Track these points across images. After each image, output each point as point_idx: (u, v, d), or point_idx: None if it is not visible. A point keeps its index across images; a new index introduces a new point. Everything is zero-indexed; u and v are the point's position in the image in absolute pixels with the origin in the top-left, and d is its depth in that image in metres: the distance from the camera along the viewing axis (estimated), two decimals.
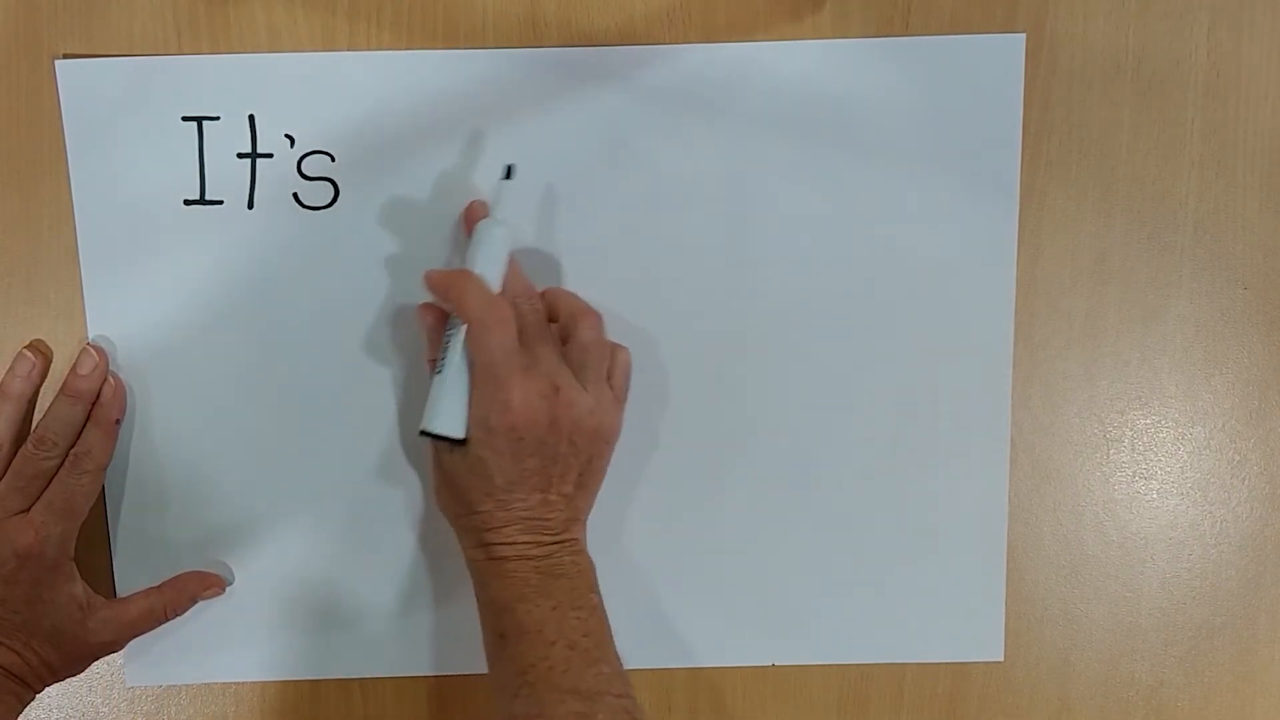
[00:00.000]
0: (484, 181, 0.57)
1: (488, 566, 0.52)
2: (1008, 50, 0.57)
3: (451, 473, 0.53)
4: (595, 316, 0.54)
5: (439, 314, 0.54)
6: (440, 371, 0.53)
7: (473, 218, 0.55)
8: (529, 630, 0.50)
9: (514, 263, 0.54)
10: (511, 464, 0.51)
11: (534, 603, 0.51)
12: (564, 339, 0.54)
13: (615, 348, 0.56)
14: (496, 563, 0.52)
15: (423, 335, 0.55)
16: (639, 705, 0.51)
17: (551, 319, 0.55)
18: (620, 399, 0.55)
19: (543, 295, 0.55)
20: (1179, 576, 0.61)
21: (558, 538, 0.52)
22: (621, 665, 0.52)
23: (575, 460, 0.52)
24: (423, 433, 0.52)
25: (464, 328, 0.52)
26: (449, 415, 0.52)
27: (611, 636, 0.53)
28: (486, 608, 0.53)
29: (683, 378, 0.58)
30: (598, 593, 0.53)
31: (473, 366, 0.52)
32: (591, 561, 0.54)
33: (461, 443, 0.52)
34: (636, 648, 0.60)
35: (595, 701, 0.49)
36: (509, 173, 0.54)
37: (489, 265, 0.53)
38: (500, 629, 0.51)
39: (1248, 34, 0.58)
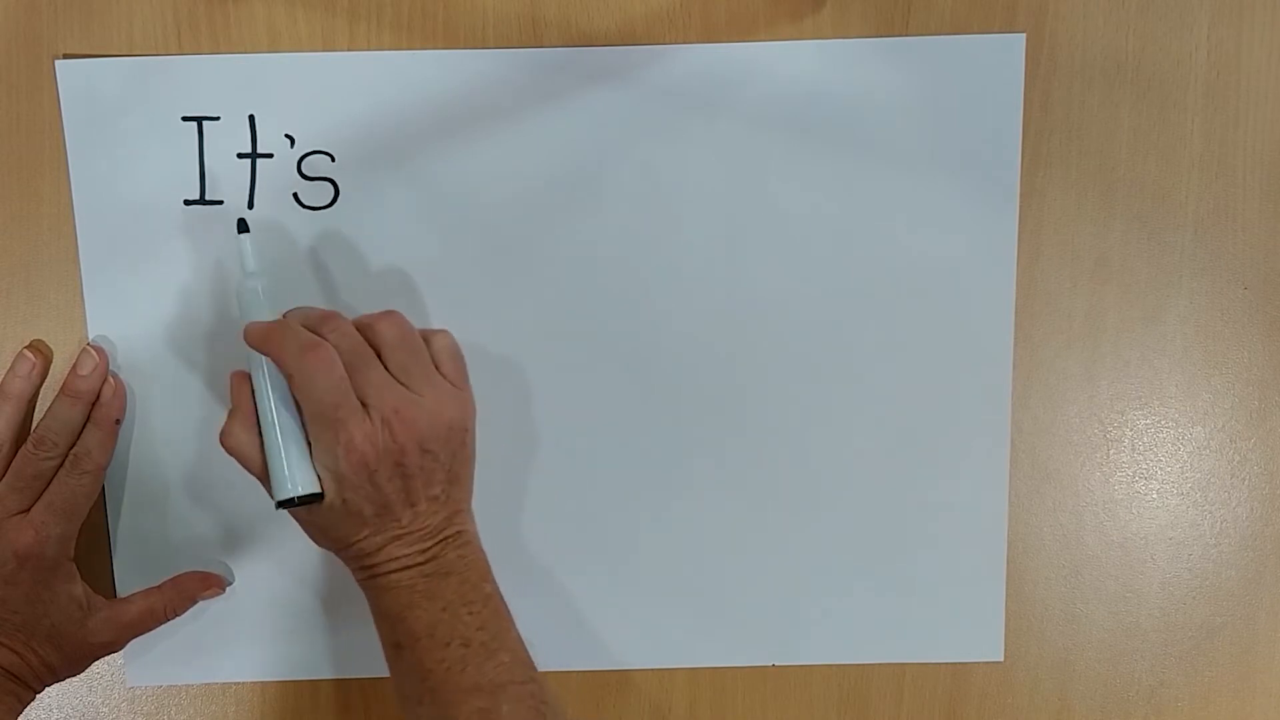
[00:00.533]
0: (484, 181, 0.57)
1: (373, 583, 0.52)
2: (1008, 50, 0.57)
3: (320, 523, 0.52)
4: (392, 315, 0.53)
5: (245, 382, 0.53)
6: (272, 434, 0.51)
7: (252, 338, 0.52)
8: (421, 636, 0.50)
9: (293, 306, 0.54)
10: (375, 495, 0.50)
11: (422, 608, 0.51)
12: (376, 350, 0.52)
13: (431, 335, 0.54)
14: (381, 578, 0.51)
15: (229, 405, 0.53)
16: (546, 687, 0.51)
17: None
18: (458, 382, 0.54)
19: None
20: (1179, 576, 0.61)
21: (439, 538, 0.52)
22: (525, 651, 0.52)
23: (436, 464, 0.51)
24: (279, 504, 0.51)
25: (270, 382, 0.51)
26: (300, 474, 0.50)
27: (511, 623, 0.52)
28: (379, 619, 0.52)
29: (683, 378, 0.58)
30: (492, 582, 0.53)
31: (305, 415, 0.50)
32: (481, 550, 0.53)
33: (319, 497, 0.51)
34: (636, 648, 0.60)
35: (498, 694, 0.49)
36: (243, 226, 0.53)
37: (273, 315, 0.52)
38: (395, 638, 0.51)
39: (1248, 34, 0.58)
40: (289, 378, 0.50)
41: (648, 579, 0.60)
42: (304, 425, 0.51)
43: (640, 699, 0.61)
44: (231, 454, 0.52)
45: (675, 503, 0.59)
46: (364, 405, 0.50)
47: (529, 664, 0.52)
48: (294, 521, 0.59)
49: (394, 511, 0.51)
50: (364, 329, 0.52)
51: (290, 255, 0.57)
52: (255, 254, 0.53)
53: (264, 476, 0.52)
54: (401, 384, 0.51)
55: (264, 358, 0.51)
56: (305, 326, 0.52)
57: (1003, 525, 0.60)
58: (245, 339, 0.52)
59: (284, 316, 0.53)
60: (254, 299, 0.52)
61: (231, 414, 0.52)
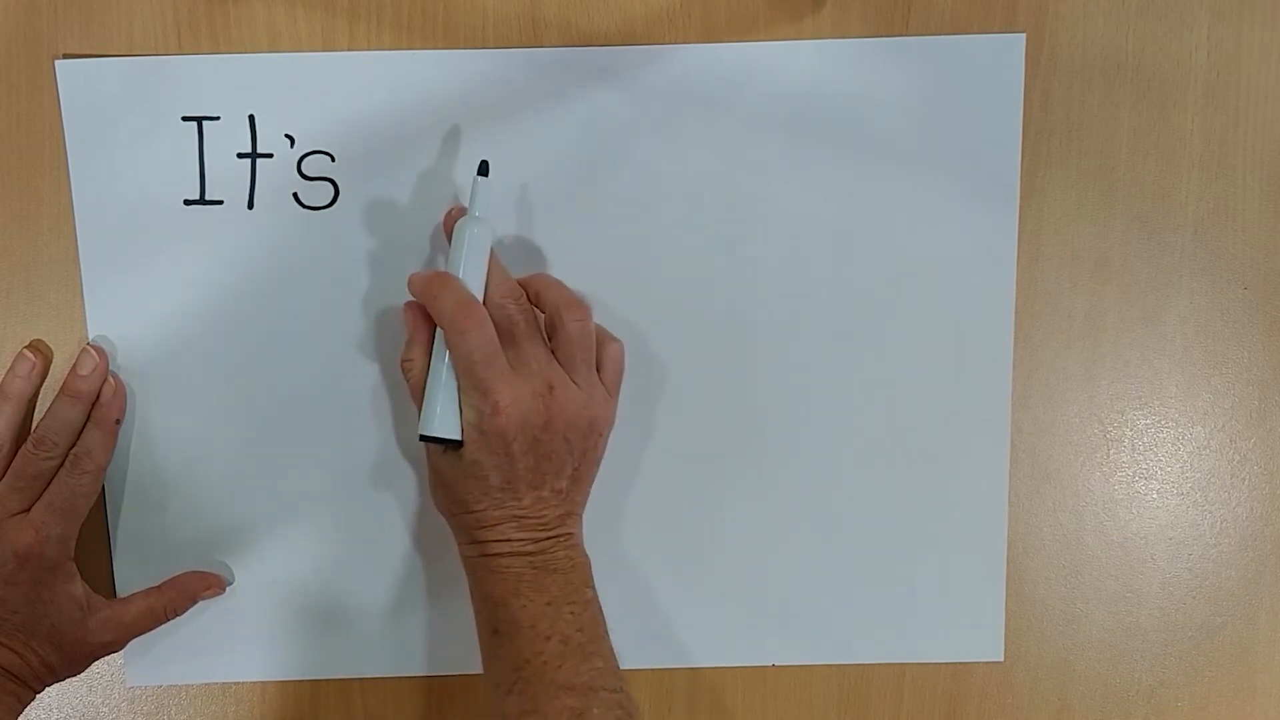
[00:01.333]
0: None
1: (481, 563, 0.52)
2: (1008, 50, 0.57)
3: (447, 474, 0.53)
4: (582, 308, 0.54)
5: (421, 312, 0.54)
6: (433, 373, 0.52)
7: (452, 221, 0.54)
8: (523, 625, 0.51)
9: (496, 260, 0.54)
10: (506, 465, 0.51)
11: (528, 598, 0.51)
12: (550, 332, 0.54)
13: (605, 339, 0.55)
14: (490, 559, 0.52)
15: (405, 333, 0.55)
16: (632, 699, 0.51)
17: (539, 308, 0.55)
18: (612, 391, 0.55)
19: (530, 284, 0.55)
20: (1179, 576, 0.61)
21: (552, 533, 0.52)
22: (616, 660, 0.52)
23: (570, 456, 0.52)
24: (422, 437, 0.52)
25: None
26: (445, 418, 0.52)
27: (607, 631, 0.53)
28: (481, 603, 0.53)
29: (682, 378, 0.58)
30: (593, 587, 0.53)
31: (456, 369, 0.51)
32: (587, 556, 0.54)
33: (458, 444, 0.52)
34: (636, 648, 0.60)
35: (589, 697, 0.49)
36: (484, 169, 0.54)
37: (470, 265, 0.52)
38: (494, 624, 0.52)
39: (1248, 34, 0.58)
40: (443, 329, 0.51)
41: (647, 579, 0.60)
42: None
43: (640, 699, 0.61)
44: (404, 375, 0.54)
45: (675, 503, 0.59)
46: (519, 374, 0.51)
47: (620, 673, 0.52)
48: (294, 521, 0.59)
49: (518, 489, 0.51)
50: (550, 308, 0.54)
51: (290, 255, 0.57)
52: (484, 201, 0.54)
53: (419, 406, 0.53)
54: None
55: None
56: (498, 289, 0.53)
57: (1003, 525, 0.60)
58: (408, 285, 0.53)
59: (491, 274, 0.53)
60: (468, 241, 0.53)
61: (410, 339, 0.54)
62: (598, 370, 0.54)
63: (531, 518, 0.52)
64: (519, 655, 0.50)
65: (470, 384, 0.51)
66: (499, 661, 0.51)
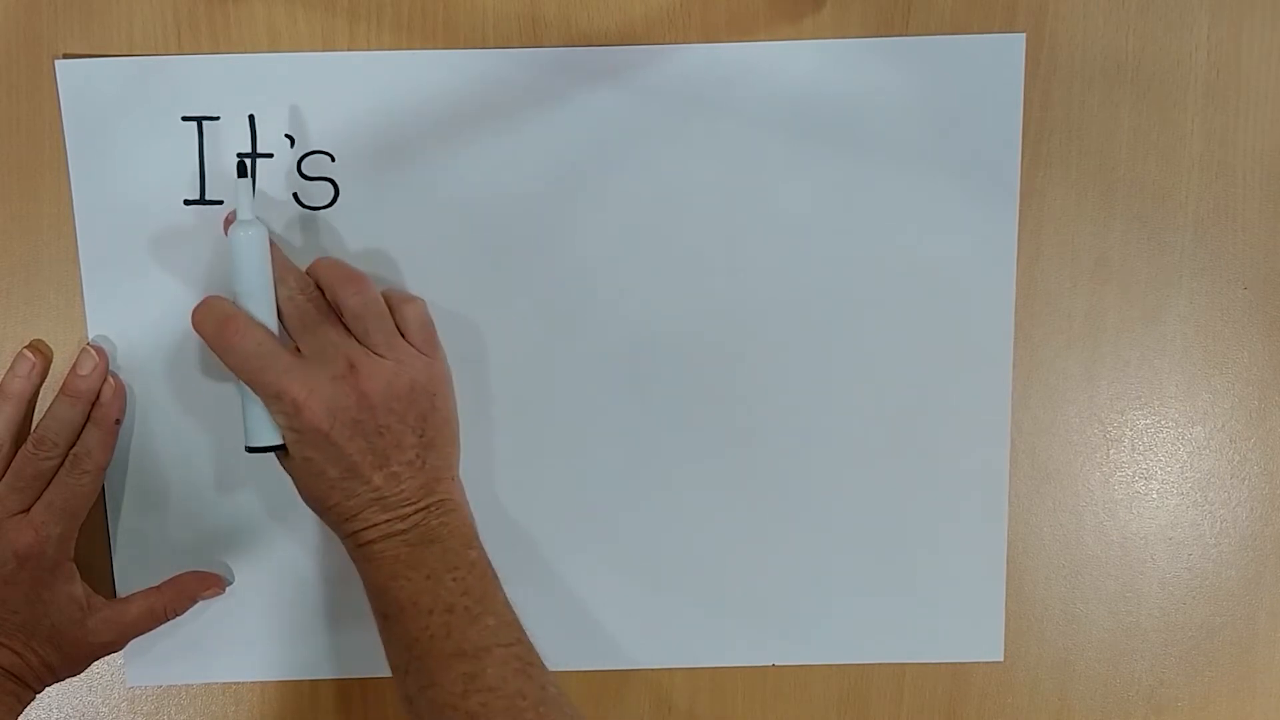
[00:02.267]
0: (484, 181, 0.57)
1: (359, 553, 0.52)
2: (1008, 50, 0.57)
3: (296, 477, 0.52)
4: (358, 281, 0.53)
5: None
6: (240, 388, 0.52)
7: (227, 228, 0.53)
8: (406, 606, 0.50)
9: (279, 254, 0.53)
10: (336, 454, 0.50)
11: (406, 578, 0.51)
12: (338, 313, 0.53)
13: (400, 301, 0.54)
14: (364, 547, 0.52)
15: None
16: (532, 648, 0.51)
17: (324, 292, 0.54)
18: (429, 349, 0.54)
19: (312, 271, 0.54)
20: (1179, 576, 0.61)
21: (419, 505, 0.52)
22: (511, 613, 0.52)
23: (404, 426, 0.51)
24: (248, 449, 0.52)
25: None
26: (259, 427, 0.52)
27: (497, 587, 0.52)
28: (368, 594, 0.53)
29: (682, 377, 0.58)
30: (477, 547, 0.53)
31: (244, 382, 0.51)
32: (468, 516, 0.53)
33: (282, 448, 0.52)
34: (636, 648, 0.60)
35: (482, 658, 0.49)
36: (241, 169, 0.54)
37: (249, 269, 0.52)
38: (382, 610, 0.52)
39: (1248, 34, 0.58)
40: (214, 351, 0.51)
41: (648, 579, 0.60)
42: None
43: (640, 699, 0.61)
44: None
45: (675, 502, 0.59)
46: (315, 362, 0.50)
47: (515, 625, 0.52)
48: (294, 521, 0.59)
49: (362, 473, 0.51)
50: (328, 289, 0.53)
51: (290, 255, 0.57)
52: (247, 201, 0.53)
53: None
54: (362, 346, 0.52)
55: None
56: (282, 282, 0.52)
57: (1003, 525, 0.60)
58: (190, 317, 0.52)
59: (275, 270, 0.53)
60: (241, 246, 0.52)
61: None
62: (403, 335, 0.53)
63: (390, 496, 0.51)
64: (408, 635, 0.50)
65: (263, 392, 0.50)
66: (393, 644, 0.51)
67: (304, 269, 0.54)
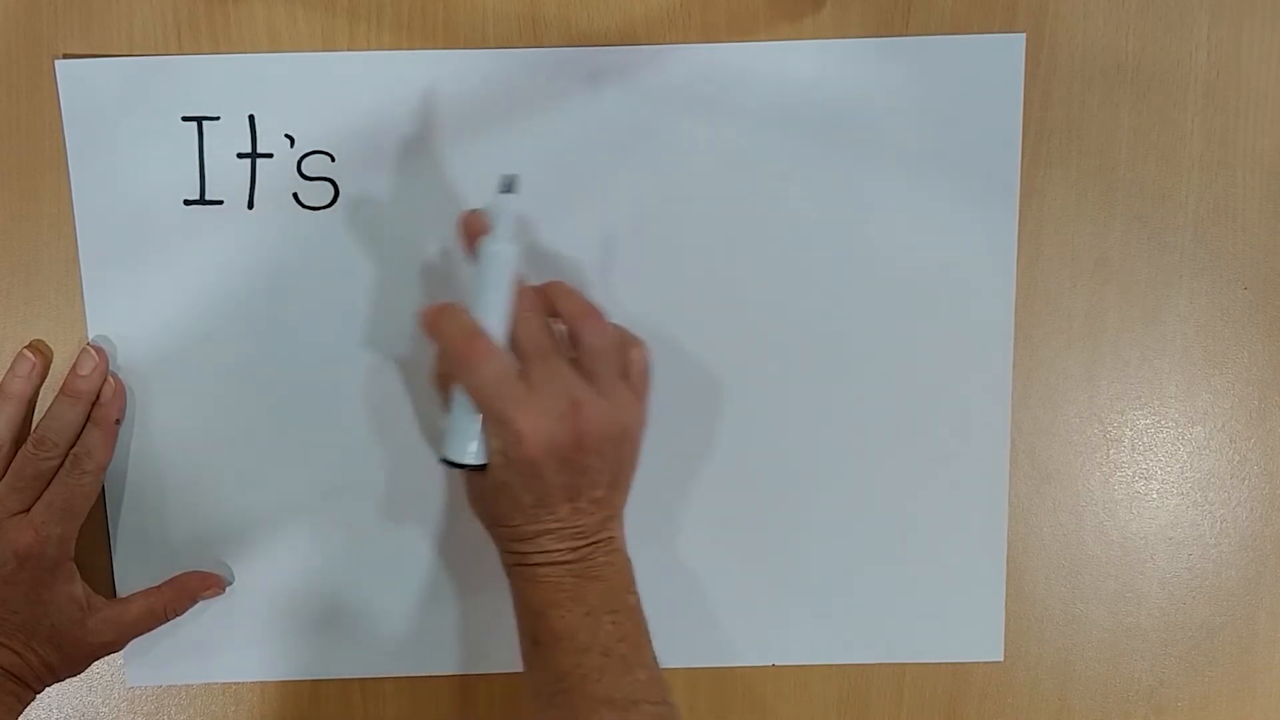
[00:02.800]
0: (484, 181, 0.56)
1: (519, 571, 0.52)
2: (1008, 50, 0.57)
3: (479, 491, 0.52)
4: (598, 317, 0.52)
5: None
6: (456, 400, 0.51)
7: (470, 232, 0.52)
8: (562, 636, 0.50)
9: (520, 279, 0.52)
10: (538, 485, 0.50)
11: (567, 608, 0.50)
12: (571, 343, 0.53)
13: (628, 343, 0.53)
14: (529, 568, 0.51)
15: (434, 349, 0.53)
16: (676, 709, 0.51)
17: (555, 316, 0.53)
18: (639, 395, 0.53)
19: (545, 291, 0.53)
20: (1179, 576, 0.61)
21: (591, 540, 0.52)
22: (659, 669, 0.51)
23: (604, 467, 0.51)
24: (443, 460, 0.51)
25: None
26: (464, 445, 0.51)
27: (649, 638, 0.52)
28: (521, 612, 0.52)
29: (682, 378, 0.58)
30: (635, 593, 0.53)
31: (473, 402, 0.50)
32: (628, 559, 0.53)
33: (484, 468, 0.51)
34: None
35: (630, 711, 0.49)
36: (509, 185, 0.52)
37: (493, 290, 0.51)
38: (534, 634, 0.51)
39: (1248, 34, 0.58)
40: (451, 365, 0.50)
41: (647, 579, 0.60)
42: None
43: None
44: (438, 391, 0.54)
45: (675, 502, 0.59)
46: (541, 395, 0.49)
47: (664, 683, 0.51)
48: (294, 521, 0.59)
49: (552, 505, 0.50)
50: (568, 319, 0.52)
51: (290, 255, 0.57)
52: (506, 219, 0.51)
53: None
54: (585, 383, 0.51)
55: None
56: (519, 306, 0.51)
57: (1003, 525, 0.60)
58: (419, 319, 0.51)
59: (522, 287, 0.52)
60: (490, 265, 0.51)
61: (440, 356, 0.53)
62: (624, 376, 0.53)
63: (568, 528, 0.51)
64: (559, 667, 0.50)
65: (490, 416, 0.50)
66: (539, 671, 0.51)
67: (524, 282, 0.53)
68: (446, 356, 0.51)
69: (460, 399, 0.51)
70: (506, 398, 0.49)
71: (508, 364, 0.50)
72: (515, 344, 0.51)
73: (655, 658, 0.52)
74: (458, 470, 0.52)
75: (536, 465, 0.49)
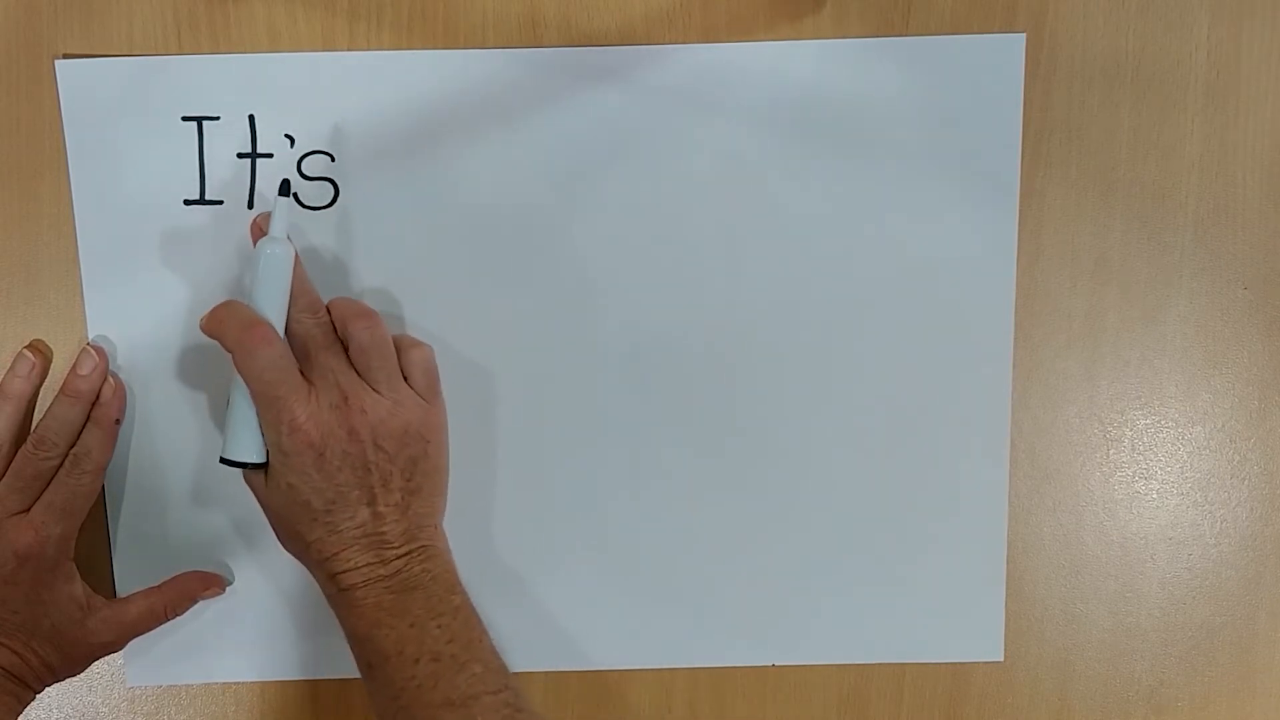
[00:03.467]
0: (484, 181, 0.57)
1: (340, 598, 0.51)
2: (1008, 50, 0.57)
3: (272, 506, 0.52)
4: (370, 316, 0.52)
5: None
6: (232, 398, 0.52)
7: (255, 235, 0.54)
8: (391, 654, 0.50)
9: (300, 277, 0.53)
10: (323, 482, 0.50)
11: (390, 625, 0.50)
12: (345, 345, 0.53)
13: (408, 345, 0.54)
14: (347, 593, 0.51)
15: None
16: (520, 693, 0.50)
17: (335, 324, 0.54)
18: (429, 395, 0.53)
19: (328, 307, 0.54)
20: (1179, 576, 0.61)
21: (401, 550, 0.51)
22: (497, 658, 0.51)
23: (392, 466, 0.51)
24: (222, 460, 0.52)
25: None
26: (244, 441, 0.51)
27: (483, 633, 0.52)
28: (351, 643, 0.52)
29: (682, 377, 0.58)
30: (460, 592, 0.52)
31: (251, 393, 0.50)
32: (450, 562, 0.53)
33: (262, 468, 0.51)
34: (636, 648, 0.60)
35: (471, 706, 0.48)
36: (284, 188, 0.53)
37: (268, 286, 0.52)
38: (366, 659, 0.51)
39: (1248, 34, 0.58)
40: (231, 355, 0.51)
41: (648, 579, 0.60)
42: None
43: (640, 699, 0.61)
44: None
45: (675, 502, 0.59)
46: (315, 388, 0.50)
47: (503, 671, 0.51)
48: None
49: (346, 509, 0.50)
50: (339, 322, 0.53)
51: None
52: (282, 221, 0.53)
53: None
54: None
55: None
56: (296, 304, 0.52)
57: (1003, 525, 0.60)
58: (201, 322, 0.52)
59: (293, 291, 0.53)
60: (266, 262, 0.52)
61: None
62: (406, 379, 0.53)
63: (373, 536, 0.51)
64: (394, 685, 0.49)
65: (265, 403, 0.50)
66: (378, 694, 0.50)
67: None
68: (228, 347, 0.51)
69: (239, 396, 0.51)
70: (282, 384, 0.50)
71: (285, 352, 0.50)
72: (291, 340, 0.52)
73: (493, 650, 0.51)
74: (252, 484, 0.52)
75: (314, 453, 0.49)
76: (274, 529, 0.53)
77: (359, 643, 0.51)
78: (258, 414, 0.51)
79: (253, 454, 0.51)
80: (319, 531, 0.51)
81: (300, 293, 0.53)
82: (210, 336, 0.52)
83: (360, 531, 0.51)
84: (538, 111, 0.56)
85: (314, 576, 0.53)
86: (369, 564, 0.51)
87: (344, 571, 0.51)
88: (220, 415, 0.58)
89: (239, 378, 0.51)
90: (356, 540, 0.51)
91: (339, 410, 0.50)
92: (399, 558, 0.51)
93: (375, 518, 0.51)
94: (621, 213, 0.57)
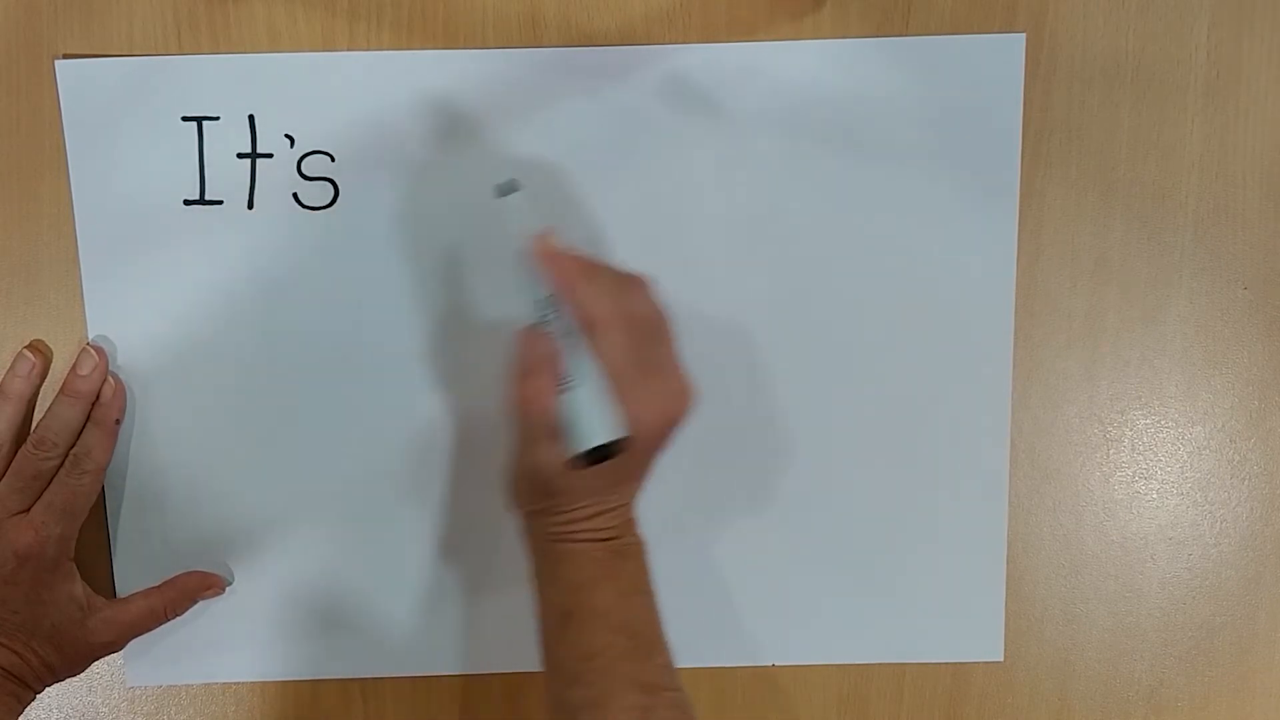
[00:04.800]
0: (484, 181, 0.56)
1: (557, 549, 0.51)
2: (1008, 50, 0.57)
3: (558, 478, 0.49)
4: (661, 311, 0.51)
5: (542, 338, 0.50)
6: (578, 384, 0.49)
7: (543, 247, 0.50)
8: (599, 613, 0.49)
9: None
10: (653, 462, 0.51)
11: (604, 587, 0.50)
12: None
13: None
14: (568, 544, 0.51)
15: (519, 365, 0.51)
16: (689, 701, 0.50)
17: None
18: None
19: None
20: (1179, 576, 0.61)
21: (626, 516, 0.52)
22: (672, 657, 0.51)
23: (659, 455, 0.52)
24: (584, 454, 0.48)
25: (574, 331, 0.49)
26: (601, 423, 0.48)
27: (662, 624, 0.52)
28: (552, 589, 0.51)
29: None
30: (651, 579, 0.52)
31: (609, 370, 0.48)
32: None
33: (606, 455, 0.49)
34: None
35: (656, 696, 0.48)
36: (510, 187, 0.51)
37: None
38: (568, 608, 0.50)
39: (1248, 34, 0.58)
40: (591, 328, 0.48)
41: None
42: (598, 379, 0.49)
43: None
44: (525, 406, 0.49)
45: (674, 503, 0.59)
46: (665, 375, 0.50)
47: (677, 673, 0.51)
48: (294, 522, 0.59)
49: (643, 481, 0.51)
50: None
51: (290, 255, 0.57)
52: (520, 211, 0.51)
53: (556, 431, 0.49)
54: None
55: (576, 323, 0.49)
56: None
57: (1003, 525, 0.60)
58: (531, 256, 0.49)
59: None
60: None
61: (533, 370, 0.49)
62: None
63: (617, 507, 0.51)
64: (589, 645, 0.49)
65: (626, 382, 0.48)
66: (566, 648, 0.50)
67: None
68: (579, 317, 0.48)
69: (582, 384, 0.48)
70: (633, 372, 0.48)
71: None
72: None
73: (670, 647, 0.52)
74: (535, 453, 0.49)
75: (664, 442, 0.50)
76: (521, 488, 0.52)
77: (569, 591, 0.50)
78: (616, 389, 0.48)
79: (614, 430, 0.48)
80: (586, 500, 0.50)
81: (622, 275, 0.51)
82: (560, 289, 0.49)
83: (619, 501, 0.51)
84: (538, 111, 0.56)
85: (530, 524, 0.52)
86: (605, 528, 0.51)
87: (579, 531, 0.50)
88: (220, 415, 0.58)
89: (580, 360, 0.49)
90: (613, 508, 0.51)
91: (680, 401, 0.51)
92: (623, 522, 0.51)
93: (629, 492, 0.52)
94: (621, 212, 0.57)
